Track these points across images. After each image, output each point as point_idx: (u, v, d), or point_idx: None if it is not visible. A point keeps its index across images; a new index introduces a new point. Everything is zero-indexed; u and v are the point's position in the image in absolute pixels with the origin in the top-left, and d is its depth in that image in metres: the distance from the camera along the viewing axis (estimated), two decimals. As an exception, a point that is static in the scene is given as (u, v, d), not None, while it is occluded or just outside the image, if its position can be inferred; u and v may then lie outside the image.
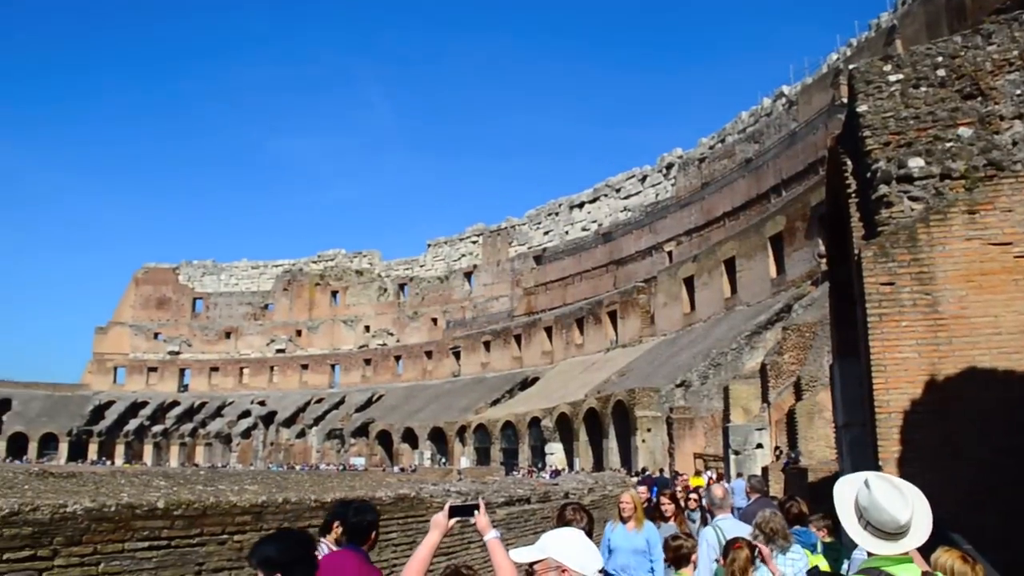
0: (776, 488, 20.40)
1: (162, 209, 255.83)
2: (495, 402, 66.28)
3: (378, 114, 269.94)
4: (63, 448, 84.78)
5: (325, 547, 5.04)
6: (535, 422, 53.99)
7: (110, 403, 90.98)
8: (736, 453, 27.06)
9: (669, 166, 69.61)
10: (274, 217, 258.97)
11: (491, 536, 3.63)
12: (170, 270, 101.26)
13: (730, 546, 5.32)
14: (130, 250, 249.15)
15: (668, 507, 9.06)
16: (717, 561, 5.71)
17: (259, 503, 7.12)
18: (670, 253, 63.02)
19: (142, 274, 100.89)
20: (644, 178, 72.38)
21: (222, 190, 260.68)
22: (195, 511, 6.60)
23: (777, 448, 26.42)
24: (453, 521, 3.76)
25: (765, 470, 23.24)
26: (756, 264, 46.38)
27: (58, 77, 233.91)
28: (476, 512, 3.75)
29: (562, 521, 4.72)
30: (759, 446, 27.08)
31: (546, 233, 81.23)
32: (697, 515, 11.43)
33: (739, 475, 23.03)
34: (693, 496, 12.45)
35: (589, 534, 4.71)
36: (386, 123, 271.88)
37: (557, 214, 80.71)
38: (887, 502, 2.93)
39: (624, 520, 7.54)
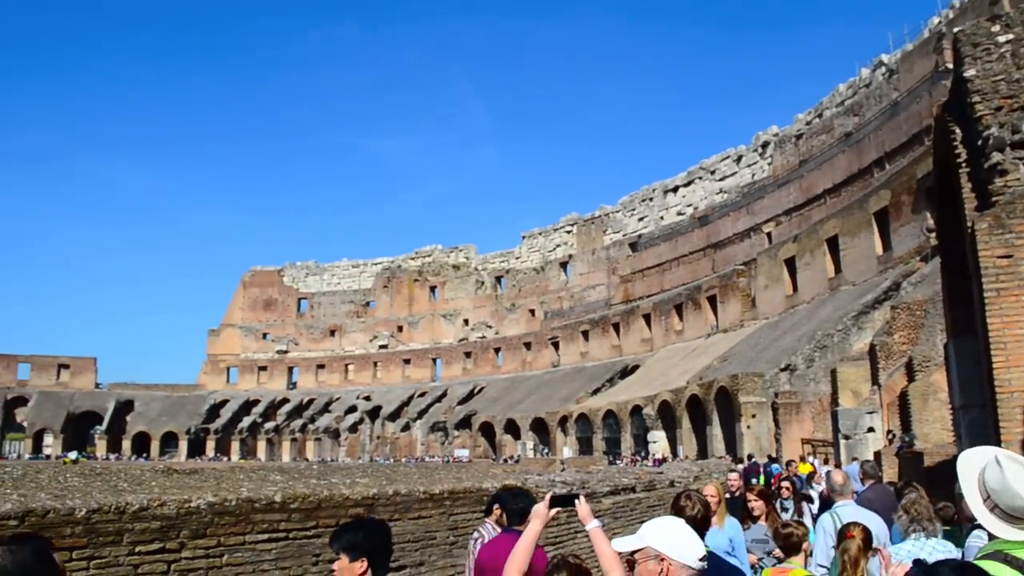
0: (890, 473, 19.72)
1: (266, 213, 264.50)
2: (596, 391, 66.10)
3: (470, 109, 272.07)
4: (182, 446, 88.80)
5: (489, 526, 5.85)
6: (637, 410, 53.62)
7: (224, 402, 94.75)
8: (846, 438, 26.28)
9: (765, 145, 67.95)
10: (372, 216, 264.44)
11: (593, 526, 3.63)
12: (275, 272, 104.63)
13: (843, 534, 5.17)
14: (237, 254, 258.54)
15: (756, 504, 8.05)
16: (835, 548, 5.55)
17: (371, 495, 7.30)
18: (769, 234, 61.52)
19: (249, 277, 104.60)
20: (739, 158, 70.86)
21: (322, 192, 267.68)
22: (310, 504, 6.81)
23: (890, 432, 25.52)
24: (554, 511, 3.78)
25: (878, 455, 22.48)
26: (860, 242, 44.83)
27: (163, 92, 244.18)
28: (577, 502, 3.76)
29: (676, 509, 4.67)
30: (870, 430, 26.23)
31: (641, 219, 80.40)
32: (791, 504, 10.97)
33: (854, 459, 22.35)
34: (785, 485, 11.76)
35: (705, 523, 4.64)
36: (478, 117, 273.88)
37: (651, 199, 79.78)
38: (1021, 486, 2.79)
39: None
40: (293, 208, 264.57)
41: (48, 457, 78.84)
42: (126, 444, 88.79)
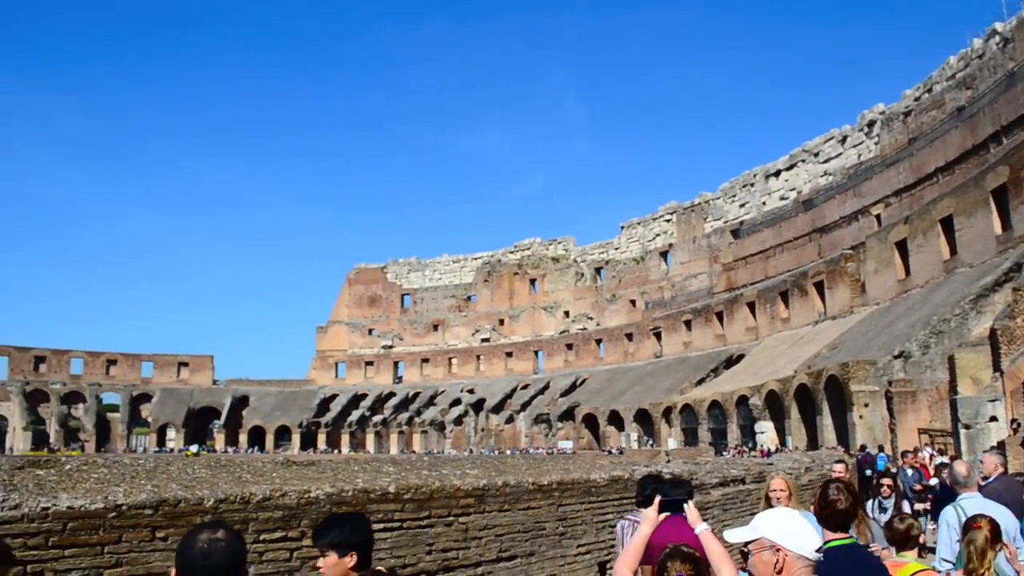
0: (1016, 464, 18.84)
1: (369, 212, 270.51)
2: (700, 382, 65.21)
3: (565, 101, 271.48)
4: (295, 439, 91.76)
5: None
6: (743, 400, 52.64)
7: (334, 396, 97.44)
8: (967, 427, 25.21)
9: (871, 124, 65.51)
10: (471, 211, 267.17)
11: (702, 528, 3.64)
12: (379, 269, 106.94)
13: (969, 525, 5.01)
14: (343, 253, 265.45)
15: None
16: (959, 542, 5.35)
17: (480, 486, 7.44)
18: (878, 216, 59.30)
19: (354, 275, 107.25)
20: (844, 139, 68.52)
21: (421, 189, 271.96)
22: (423, 495, 6.99)
23: (1015, 421, 24.34)
24: (663, 516, 3.80)
25: (1001, 444, 21.50)
26: (977, 221, 42.73)
27: (269, 95, 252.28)
28: (686, 505, 3.77)
29: (824, 500, 4.44)
30: (993, 419, 25.08)
31: (742, 205, 78.74)
32: (891, 503, 10.36)
33: (993, 447, 21.27)
34: (886, 482, 10.83)
35: (854, 515, 4.42)
36: (573, 109, 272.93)
37: (752, 185, 78.02)
38: None
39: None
40: (395, 206, 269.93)
41: (171, 450, 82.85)
42: (242, 437, 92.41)
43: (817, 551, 3.02)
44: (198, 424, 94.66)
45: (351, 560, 3.43)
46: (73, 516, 5.28)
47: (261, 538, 6.08)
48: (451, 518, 7.19)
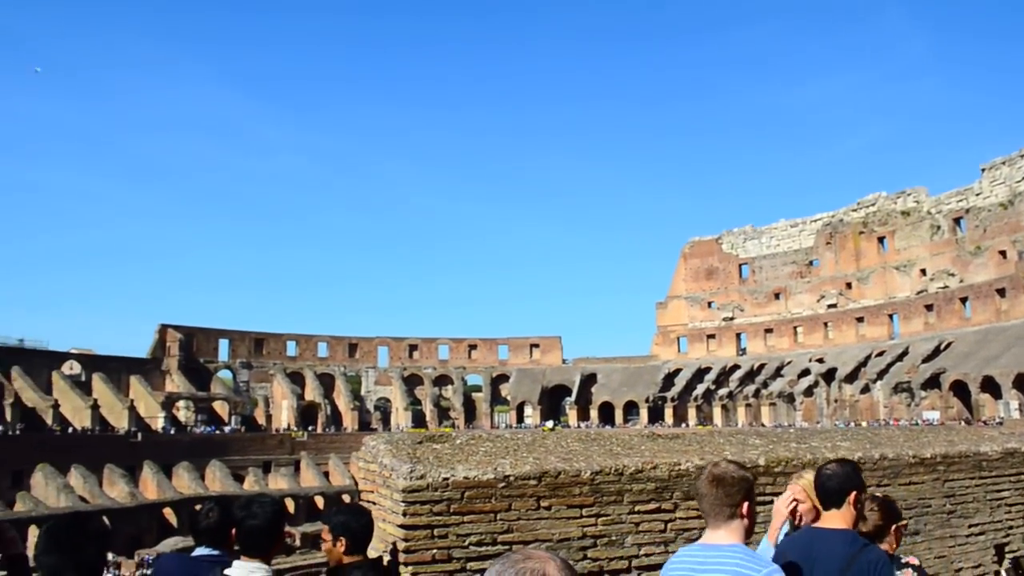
0: None
1: (700, 183, 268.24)
2: (1097, 339, 56.71)
3: (904, 37, 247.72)
4: (643, 413, 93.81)
5: None
6: None
7: (677, 371, 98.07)
8: None
9: None
10: (805, 171, 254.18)
11: None
12: (713, 241, 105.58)
13: None
14: (676, 226, 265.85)
15: None
16: None
17: (855, 460, 7.09)
18: None
19: (688, 248, 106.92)
20: None
21: (751, 154, 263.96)
22: (793, 468, 6.83)
23: None
24: None
25: None
26: None
27: (590, 86, 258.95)
28: None
29: None
30: None
31: None
32: None
33: None
34: None
35: None
36: (914, 45, 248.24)
37: None
38: None
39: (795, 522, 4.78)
40: (725, 174, 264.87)
41: (530, 426, 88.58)
42: (593, 413, 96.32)
43: None
44: (551, 401, 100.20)
45: (341, 545, 4.00)
46: (469, 485, 5.81)
47: (636, 509, 6.29)
48: (826, 492, 6.93)
